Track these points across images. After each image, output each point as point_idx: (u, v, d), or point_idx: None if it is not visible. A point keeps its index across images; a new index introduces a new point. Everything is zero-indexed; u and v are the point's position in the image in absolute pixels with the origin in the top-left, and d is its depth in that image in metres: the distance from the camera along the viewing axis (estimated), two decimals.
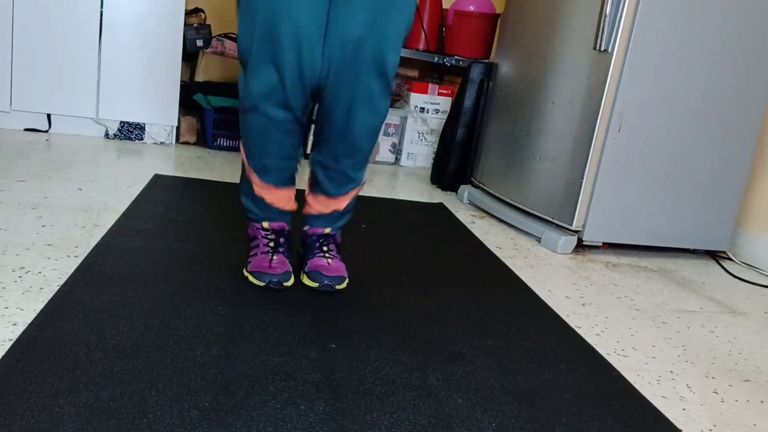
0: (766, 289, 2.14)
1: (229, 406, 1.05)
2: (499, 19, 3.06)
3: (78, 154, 2.53)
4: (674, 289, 1.99)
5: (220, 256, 1.67)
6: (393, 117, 3.17)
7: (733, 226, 2.35)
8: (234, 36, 3.16)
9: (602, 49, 2.06)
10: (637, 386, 1.33)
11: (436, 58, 3.09)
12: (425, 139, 3.23)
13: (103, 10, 2.70)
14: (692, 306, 1.86)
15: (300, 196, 1.64)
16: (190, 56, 3.09)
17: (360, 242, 1.93)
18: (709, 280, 2.14)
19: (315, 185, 1.57)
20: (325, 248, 1.57)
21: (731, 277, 2.22)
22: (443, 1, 3.25)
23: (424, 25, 3.15)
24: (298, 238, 1.77)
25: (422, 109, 3.20)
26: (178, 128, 2.94)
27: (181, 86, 2.88)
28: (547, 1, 2.31)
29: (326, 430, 1.03)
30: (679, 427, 1.20)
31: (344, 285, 1.54)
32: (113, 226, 1.77)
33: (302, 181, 1.91)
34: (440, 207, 2.53)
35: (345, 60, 1.37)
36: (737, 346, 1.62)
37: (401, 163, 3.23)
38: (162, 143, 2.91)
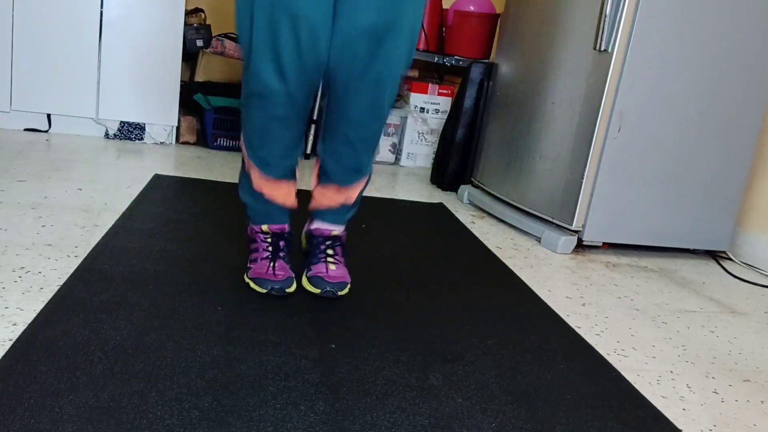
0: (766, 289, 2.14)
1: (229, 407, 1.05)
2: (499, 19, 3.06)
3: (78, 154, 2.53)
4: (674, 289, 1.99)
5: (220, 256, 1.67)
6: (393, 117, 3.17)
7: (733, 226, 2.35)
8: (234, 36, 3.16)
9: (602, 49, 2.06)
10: (637, 386, 1.33)
11: (436, 58, 3.09)
12: (425, 139, 3.23)
13: (103, 10, 2.70)
14: (692, 306, 1.86)
15: (305, 196, 1.63)
16: (190, 56, 3.09)
17: (360, 242, 1.93)
18: (709, 280, 2.14)
19: (323, 176, 1.54)
20: (330, 251, 1.56)
21: (731, 277, 2.22)
22: (443, 1, 3.25)
23: (424, 25, 3.15)
24: (300, 235, 1.77)
25: (422, 109, 3.20)
26: (178, 128, 2.94)
27: (181, 86, 2.88)
28: (547, 1, 2.31)
29: (326, 430, 1.03)
30: (679, 427, 1.20)
31: (346, 290, 1.53)
32: (113, 226, 1.77)
33: (302, 181, 1.91)
34: (440, 207, 2.53)
35: (355, 50, 1.36)
36: (737, 346, 1.62)
37: (401, 163, 3.23)
38: (162, 143, 2.91)
